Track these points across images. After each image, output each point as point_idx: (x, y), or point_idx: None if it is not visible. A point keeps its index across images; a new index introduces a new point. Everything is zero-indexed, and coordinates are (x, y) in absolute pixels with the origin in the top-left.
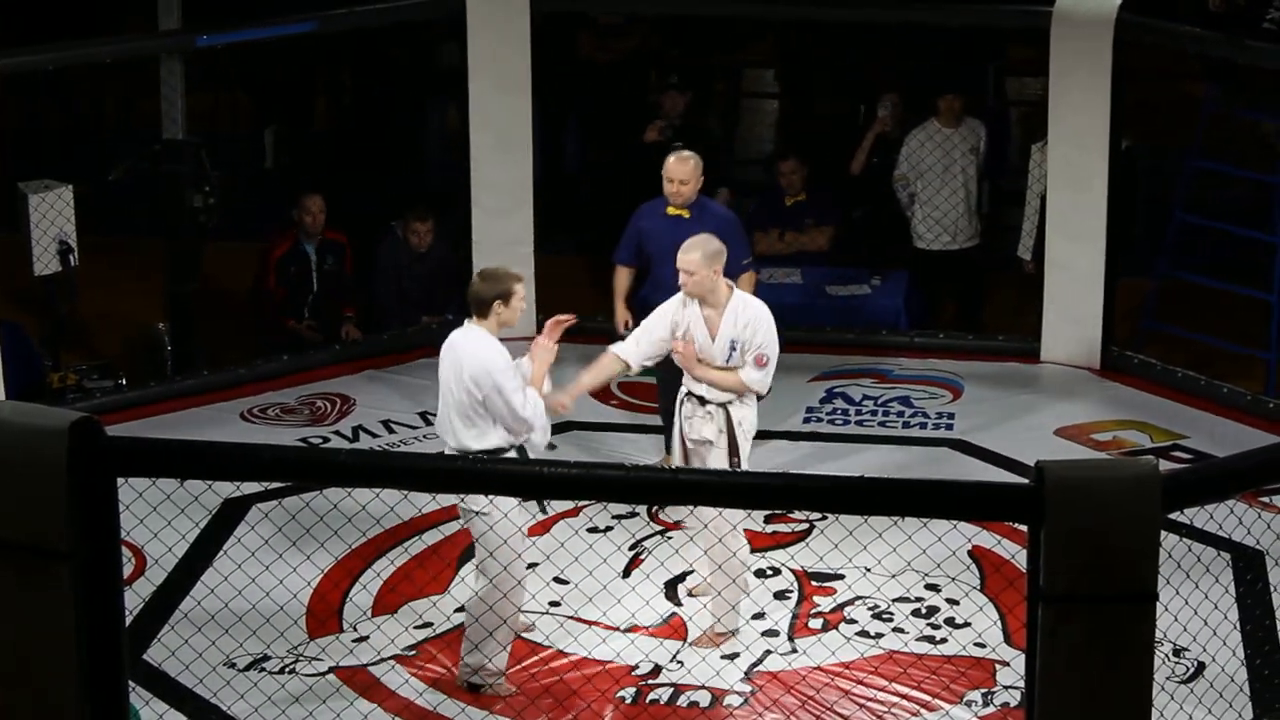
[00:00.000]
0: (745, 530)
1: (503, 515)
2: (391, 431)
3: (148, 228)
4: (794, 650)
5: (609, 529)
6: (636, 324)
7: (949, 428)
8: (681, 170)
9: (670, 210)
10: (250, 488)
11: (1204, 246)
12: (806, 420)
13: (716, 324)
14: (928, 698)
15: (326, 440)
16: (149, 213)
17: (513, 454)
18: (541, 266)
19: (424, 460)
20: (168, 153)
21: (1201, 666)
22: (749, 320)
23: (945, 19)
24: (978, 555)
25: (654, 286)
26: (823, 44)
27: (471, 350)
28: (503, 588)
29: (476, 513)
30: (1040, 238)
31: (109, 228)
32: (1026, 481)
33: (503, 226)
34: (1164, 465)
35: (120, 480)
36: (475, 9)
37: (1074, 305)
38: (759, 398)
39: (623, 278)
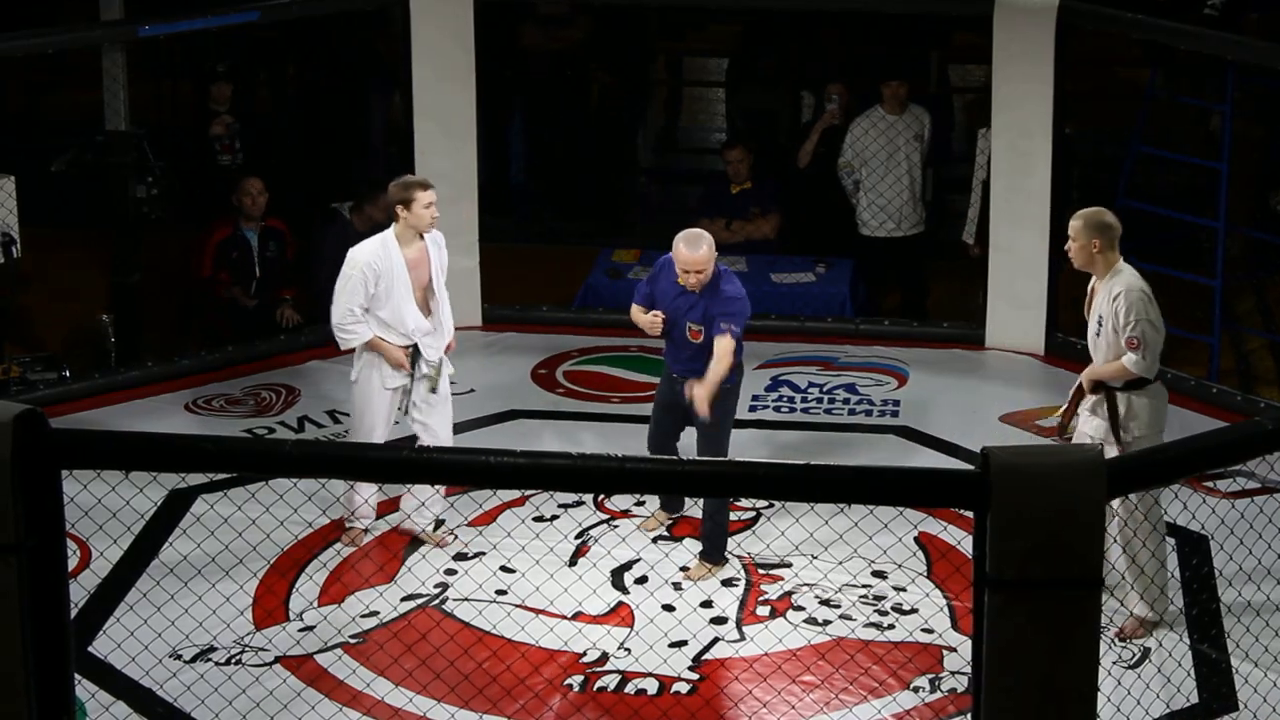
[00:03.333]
0: (692, 518)
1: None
2: (337, 421)
3: (91, 219)
4: (741, 638)
5: (555, 518)
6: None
7: (894, 415)
8: (694, 261)
9: (680, 280)
10: (196, 479)
11: (1146, 232)
12: (752, 408)
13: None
14: (875, 684)
15: (272, 431)
16: (92, 204)
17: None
18: (486, 255)
19: (370, 451)
20: (111, 144)
21: (1147, 651)
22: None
23: (888, 6)
24: (924, 541)
25: (667, 339)
26: (769, 32)
27: (358, 244)
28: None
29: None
30: (985, 223)
31: (52, 219)
32: (972, 467)
33: (447, 215)
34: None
35: (65, 473)
36: None
37: (1018, 291)
38: None
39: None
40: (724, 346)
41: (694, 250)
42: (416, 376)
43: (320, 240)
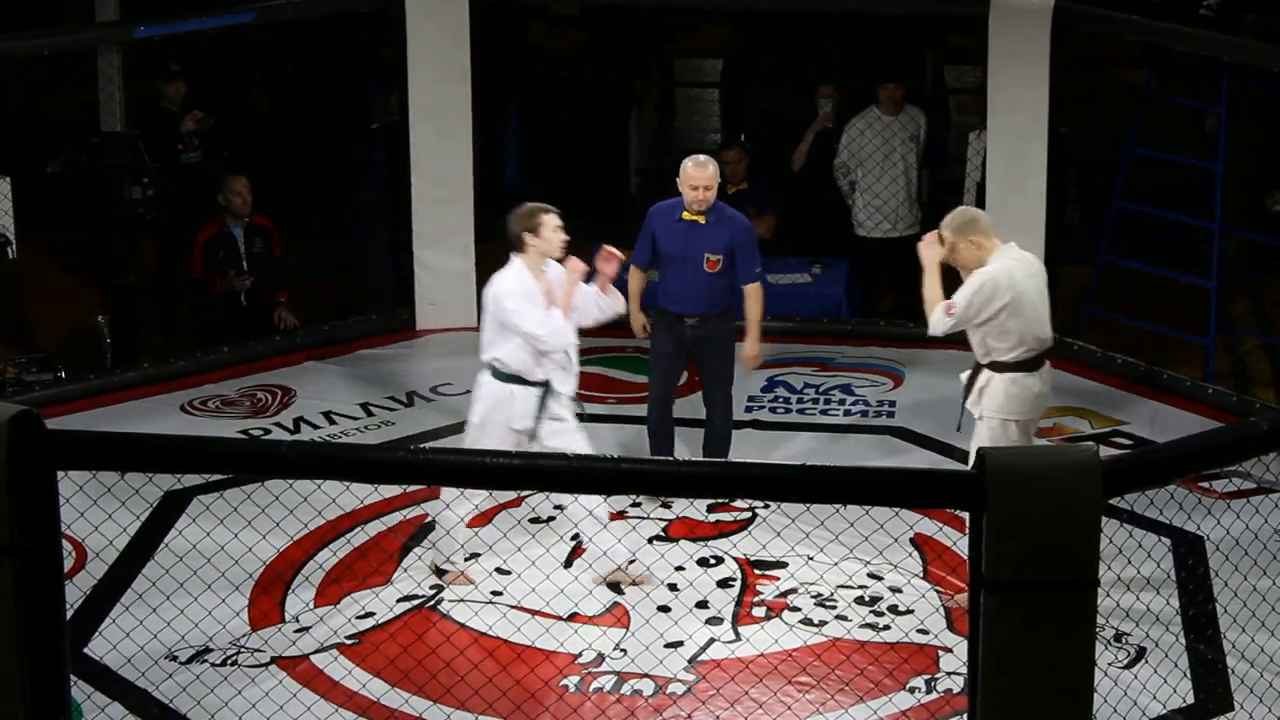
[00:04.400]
0: (688, 519)
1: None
2: (333, 423)
3: (87, 220)
4: (737, 638)
5: (551, 519)
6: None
7: (890, 415)
8: (703, 176)
9: (686, 215)
10: (191, 480)
11: (1143, 233)
12: (748, 409)
13: None
14: (871, 684)
15: (268, 432)
16: (88, 205)
17: (533, 391)
18: (482, 256)
19: (366, 452)
20: (106, 145)
21: (1143, 651)
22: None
23: (884, 7)
24: (920, 542)
25: (662, 292)
26: (765, 33)
27: (496, 277)
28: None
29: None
30: None
31: (48, 220)
32: (968, 468)
33: (443, 215)
34: (1104, 451)
35: (60, 473)
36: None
37: None
38: None
39: (638, 281)
40: (758, 292)
41: (704, 167)
42: (544, 417)
43: None
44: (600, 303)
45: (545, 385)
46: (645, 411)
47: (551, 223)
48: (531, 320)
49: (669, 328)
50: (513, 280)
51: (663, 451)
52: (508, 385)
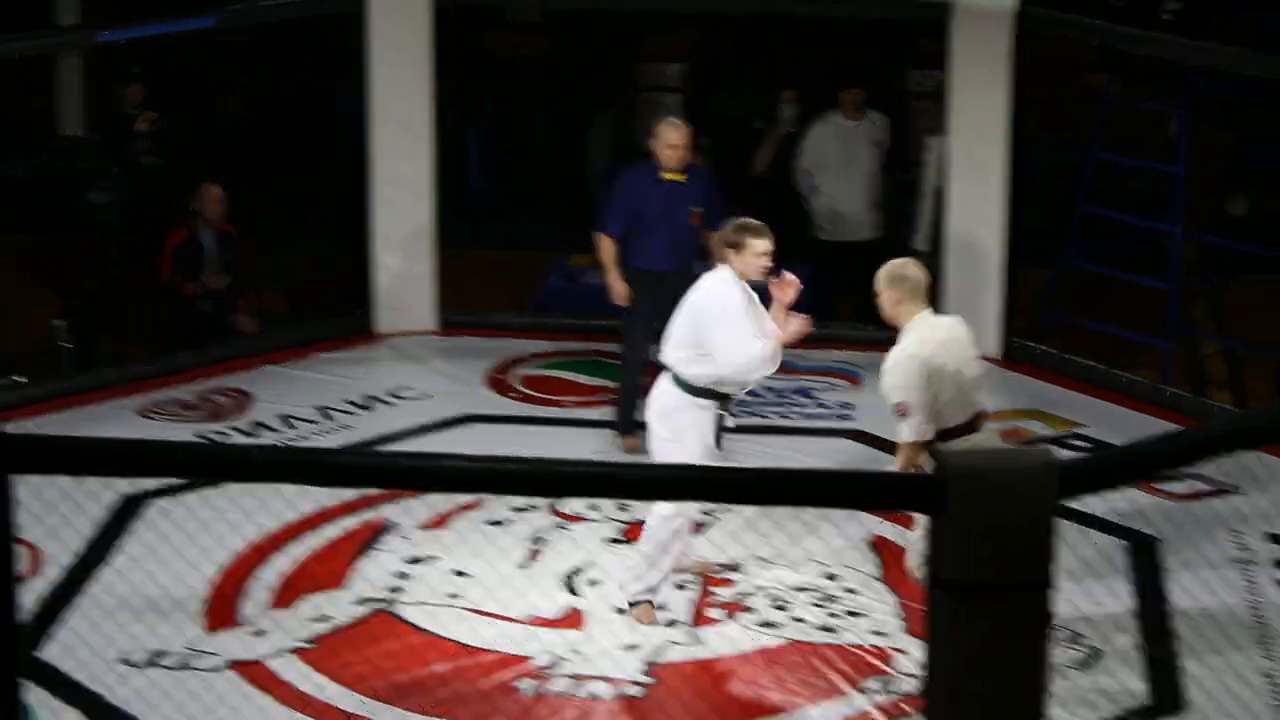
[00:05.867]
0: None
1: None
2: (291, 427)
3: (47, 224)
4: (694, 640)
5: (509, 522)
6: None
7: (849, 418)
8: (679, 135)
9: (666, 175)
10: (149, 484)
11: (1107, 238)
12: None
13: None
14: (827, 686)
15: (225, 436)
16: (48, 209)
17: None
18: (443, 260)
19: (324, 455)
20: (66, 149)
21: (1098, 652)
22: None
23: (846, 10)
24: (877, 545)
25: (642, 254)
26: (727, 38)
27: (703, 280)
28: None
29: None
30: (937, 230)
31: (7, 224)
32: (926, 471)
33: (405, 219)
34: (1062, 454)
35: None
36: (376, 1)
37: (974, 296)
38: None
39: (613, 250)
40: None
41: (678, 127)
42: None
43: None
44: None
45: (726, 400)
46: (606, 416)
47: (759, 246)
48: (736, 343)
49: (649, 290)
50: (730, 291)
51: (628, 422)
52: (694, 398)
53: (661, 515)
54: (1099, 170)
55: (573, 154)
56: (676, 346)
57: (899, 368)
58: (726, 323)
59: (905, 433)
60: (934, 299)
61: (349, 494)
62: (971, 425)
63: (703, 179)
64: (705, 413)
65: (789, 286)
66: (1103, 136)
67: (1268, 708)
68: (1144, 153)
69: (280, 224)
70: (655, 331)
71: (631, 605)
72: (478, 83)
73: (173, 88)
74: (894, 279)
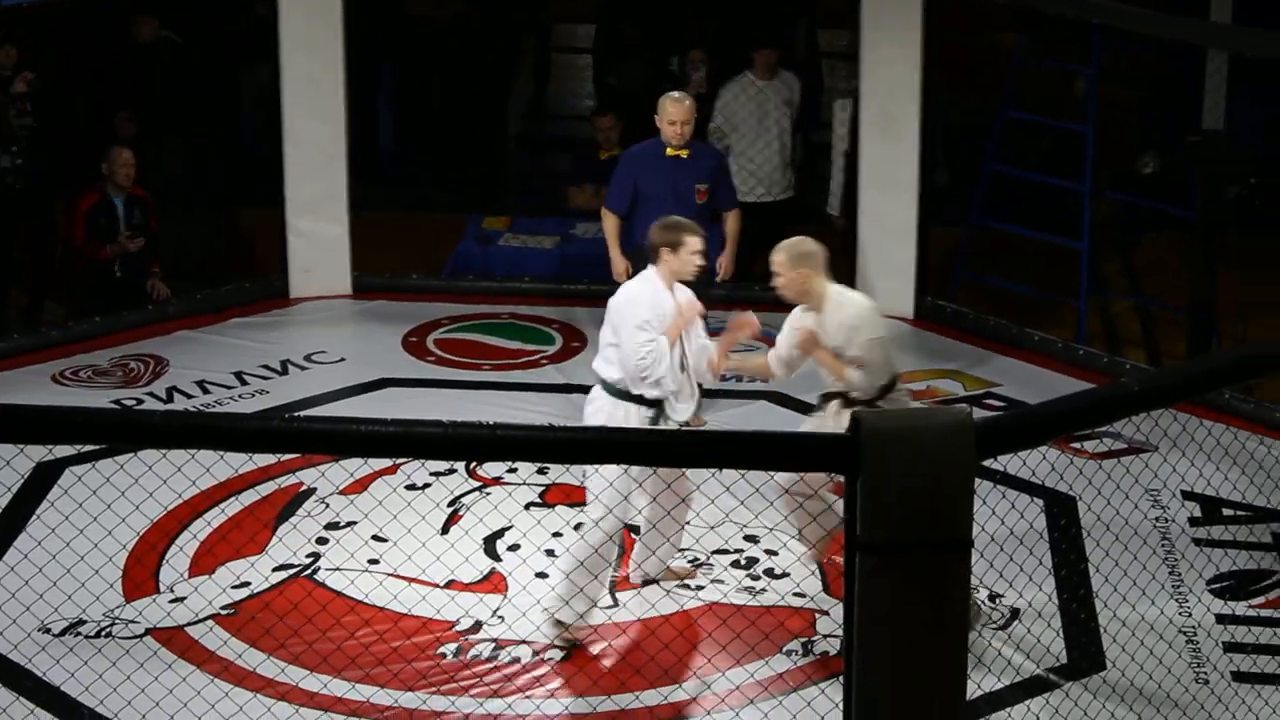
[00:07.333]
0: (564, 485)
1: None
2: (206, 392)
3: None
4: (615, 604)
5: (427, 486)
6: (635, 272)
7: (764, 380)
8: (682, 111)
9: (670, 151)
10: (63, 451)
11: (1017, 196)
12: None
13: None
14: (747, 648)
15: (140, 402)
16: None
17: (646, 412)
18: (356, 223)
19: (240, 421)
20: None
21: (1017, 612)
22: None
23: None
24: None
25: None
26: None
27: (625, 286)
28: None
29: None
30: (849, 192)
31: None
32: (842, 431)
33: (317, 181)
34: (977, 413)
35: None
36: None
37: (887, 256)
38: None
39: (615, 225)
40: (738, 215)
41: (681, 103)
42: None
43: None
44: (705, 362)
45: (658, 406)
46: (524, 378)
47: (693, 245)
48: (641, 352)
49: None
50: (646, 292)
51: None
52: (621, 402)
53: (587, 544)
54: (1009, 130)
55: (486, 116)
56: (601, 348)
57: (867, 322)
58: (629, 325)
59: (864, 386)
60: (849, 260)
61: (267, 459)
62: (890, 387)
63: (708, 155)
64: (630, 416)
65: (747, 327)
66: (1012, 95)
67: (1185, 665)
68: (1054, 113)
69: (176, 188)
70: None
71: (556, 624)
72: (387, 43)
73: (53, 48)
74: (800, 257)
